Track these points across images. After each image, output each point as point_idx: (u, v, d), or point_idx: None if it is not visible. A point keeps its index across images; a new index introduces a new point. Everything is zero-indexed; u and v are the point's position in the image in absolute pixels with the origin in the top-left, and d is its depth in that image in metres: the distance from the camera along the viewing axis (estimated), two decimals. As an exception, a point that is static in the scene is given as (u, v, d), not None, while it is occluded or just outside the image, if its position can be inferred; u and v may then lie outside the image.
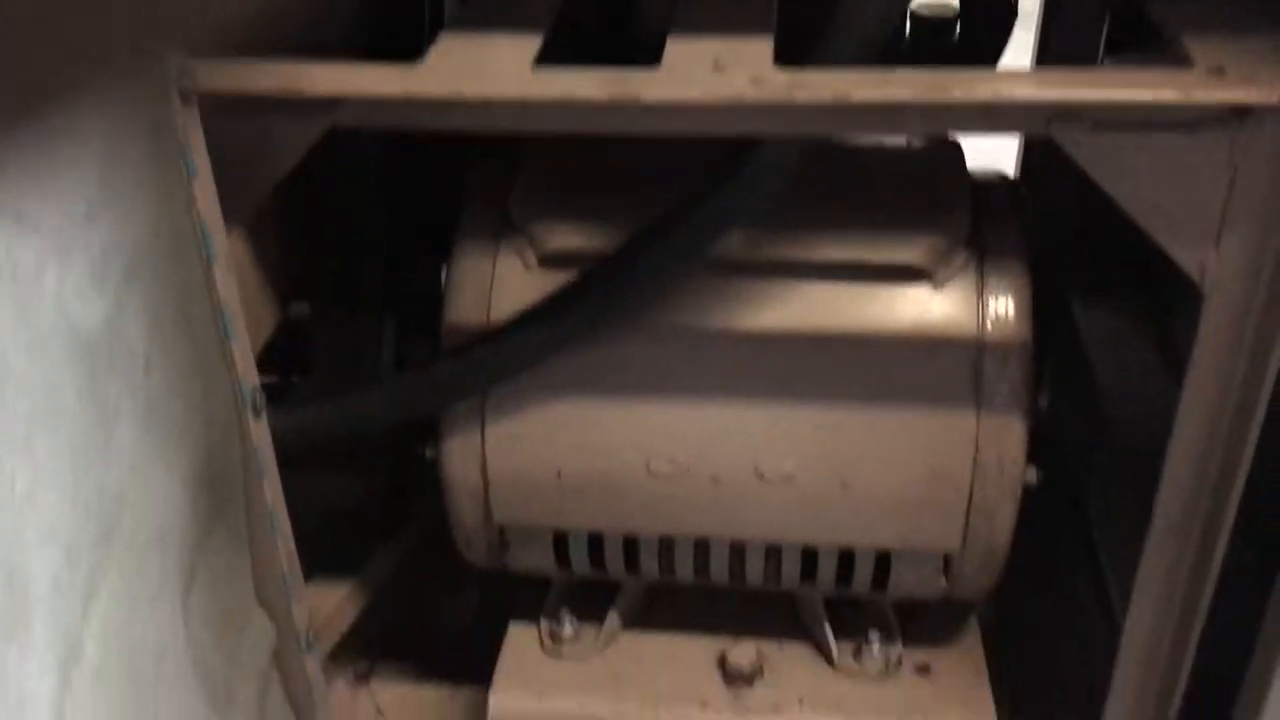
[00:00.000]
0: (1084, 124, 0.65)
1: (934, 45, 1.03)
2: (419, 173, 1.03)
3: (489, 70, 0.70)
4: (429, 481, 0.93)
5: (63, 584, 0.51)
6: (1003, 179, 0.91)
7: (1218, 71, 0.66)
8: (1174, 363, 0.76)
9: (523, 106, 0.68)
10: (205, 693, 0.63)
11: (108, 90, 0.54)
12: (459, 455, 0.88)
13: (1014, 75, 0.67)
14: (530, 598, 1.01)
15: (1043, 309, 0.88)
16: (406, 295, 1.04)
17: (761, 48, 0.70)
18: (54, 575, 0.50)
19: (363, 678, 1.11)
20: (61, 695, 0.50)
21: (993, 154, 1.07)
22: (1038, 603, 1.09)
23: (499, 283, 0.87)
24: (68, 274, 0.51)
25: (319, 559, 0.90)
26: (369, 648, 1.12)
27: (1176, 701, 0.85)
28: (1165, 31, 0.74)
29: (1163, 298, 1.19)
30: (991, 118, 0.67)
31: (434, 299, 0.99)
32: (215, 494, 0.66)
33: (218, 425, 0.67)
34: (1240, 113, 0.65)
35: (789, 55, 0.70)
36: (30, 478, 0.50)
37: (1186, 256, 0.69)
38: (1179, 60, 0.69)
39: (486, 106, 0.68)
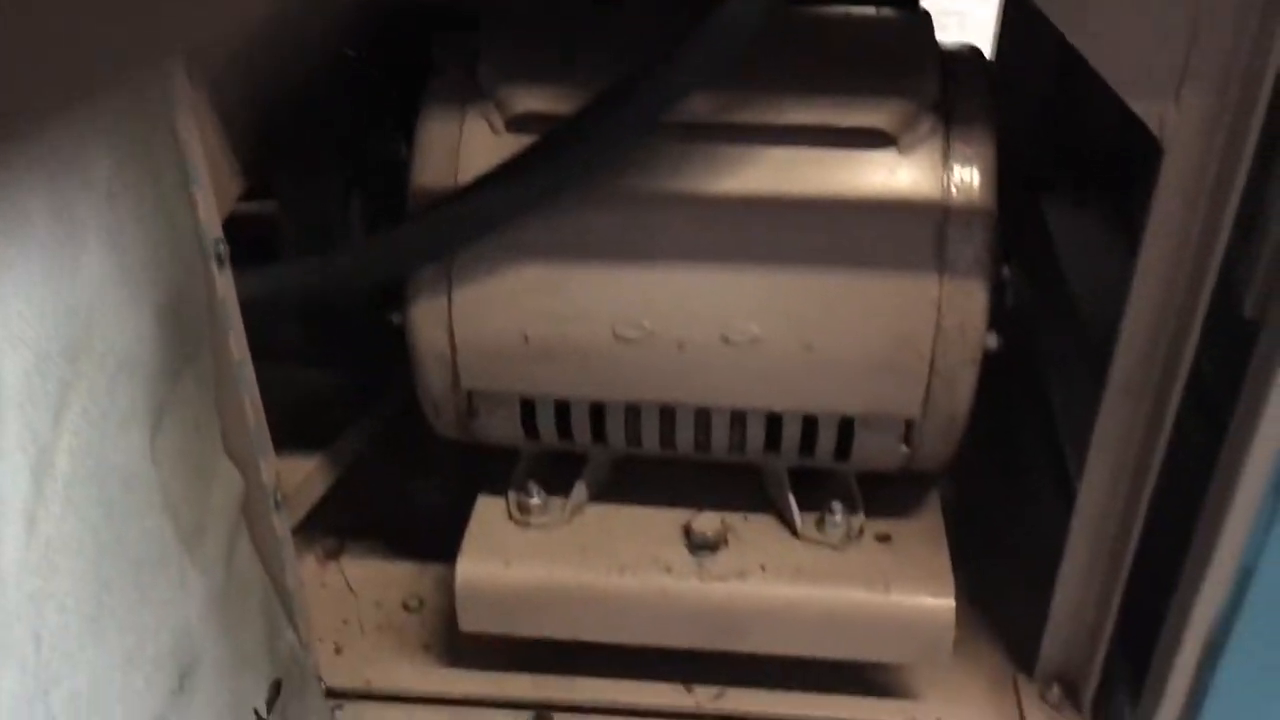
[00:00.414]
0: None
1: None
2: (379, 45, 1.02)
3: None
4: (397, 370, 0.94)
5: (34, 390, 0.51)
6: (971, 49, 0.91)
7: (1180, -85, 0.66)
8: (1135, 245, 0.77)
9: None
10: (174, 528, 0.63)
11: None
12: (426, 320, 0.88)
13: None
14: (498, 472, 1.02)
15: (1012, 191, 0.88)
16: (370, 166, 1.03)
17: None
18: (25, 378, 0.51)
19: (333, 554, 1.12)
20: (33, 500, 0.51)
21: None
22: (997, 477, 1.11)
23: (466, 146, 0.87)
24: (32, 90, 0.51)
25: (289, 438, 0.90)
26: (340, 528, 1.13)
27: (1128, 561, 0.87)
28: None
29: (1130, 194, 1.20)
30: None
31: (398, 169, 0.99)
32: (184, 337, 0.66)
33: (183, 265, 0.66)
34: (1202, -44, 0.65)
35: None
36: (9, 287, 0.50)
37: (1146, 108, 0.70)
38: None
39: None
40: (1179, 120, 0.70)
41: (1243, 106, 0.68)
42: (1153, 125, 0.70)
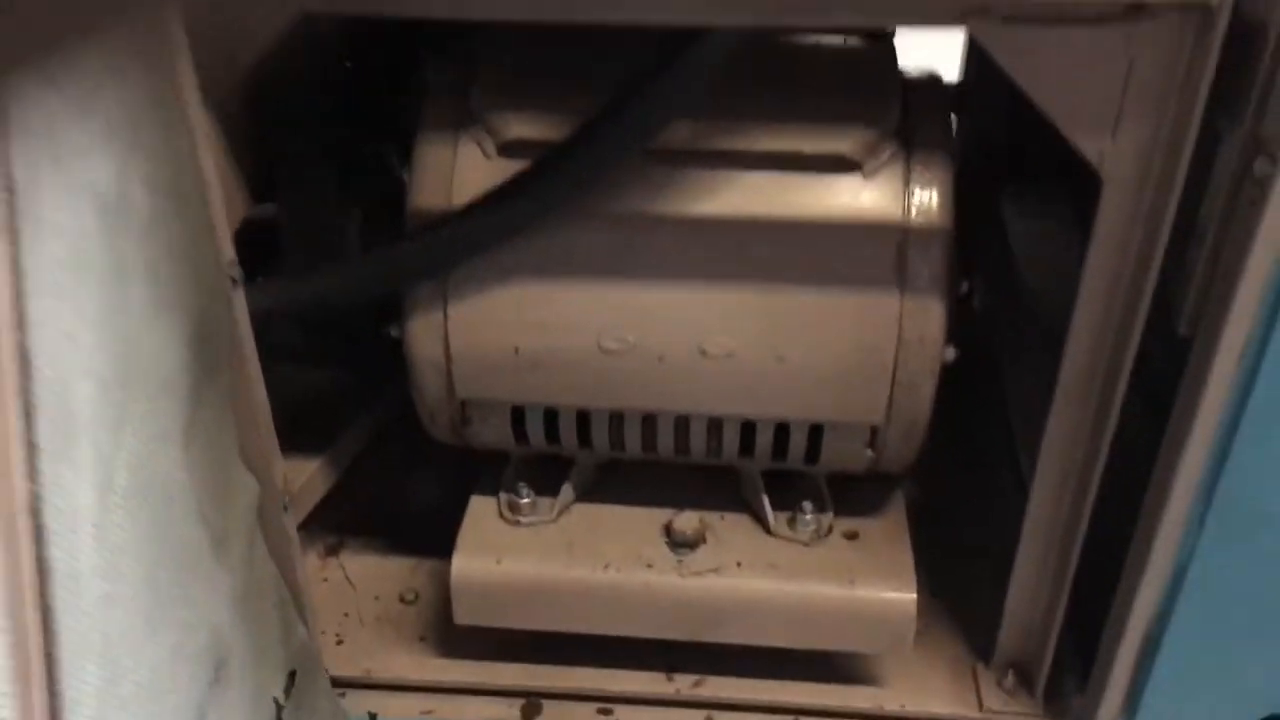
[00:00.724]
0: (995, 19, 0.72)
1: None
2: (375, 66, 1.08)
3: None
4: (394, 372, 1.00)
5: (99, 415, 0.57)
6: (931, 77, 0.97)
7: (1116, -30, 0.72)
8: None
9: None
10: (206, 534, 0.69)
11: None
12: (423, 333, 0.94)
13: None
14: (490, 474, 1.08)
15: (975, 204, 0.94)
16: (367, 182, 1.09)
17: None
18: (93, 406, 0.57)
19: (333, 550, 1.18)
20: (100, 512, 0.57)
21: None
22: (958, 478, 1.18)
23: (460, 170, 0.92)
24: (84, 133, 0.57)
25: (291, 440, 0.96)
26: (339, 525, 1.19)
27: (1074, 559, 0.94)
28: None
29: (1086, 203, 1.26)
30: (910, 12, 0.73)
31: (394, 180, 1.05)
32: (208, 356, 0.72)
33: (207, 289, 0.72)
34: (1136, 9, 0.71)
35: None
36: (71, 319, 0.56)
37: (1087, 144, 0.76)
38: (1084, -39, 0.75)
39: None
40: (1116, 155, 0.76)
41: (1173, 144, 0.74)
42: (1093, 159, 0.77)
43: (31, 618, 0.53)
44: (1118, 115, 0.75)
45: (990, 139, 1.36)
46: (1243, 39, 0.70)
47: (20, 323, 0.52)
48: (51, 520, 0.53)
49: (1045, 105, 0.75)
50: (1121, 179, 0.77)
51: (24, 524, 0.52)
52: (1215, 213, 0.76)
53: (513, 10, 0.76)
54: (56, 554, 0.53)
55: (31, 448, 0.52)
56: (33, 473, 0.52)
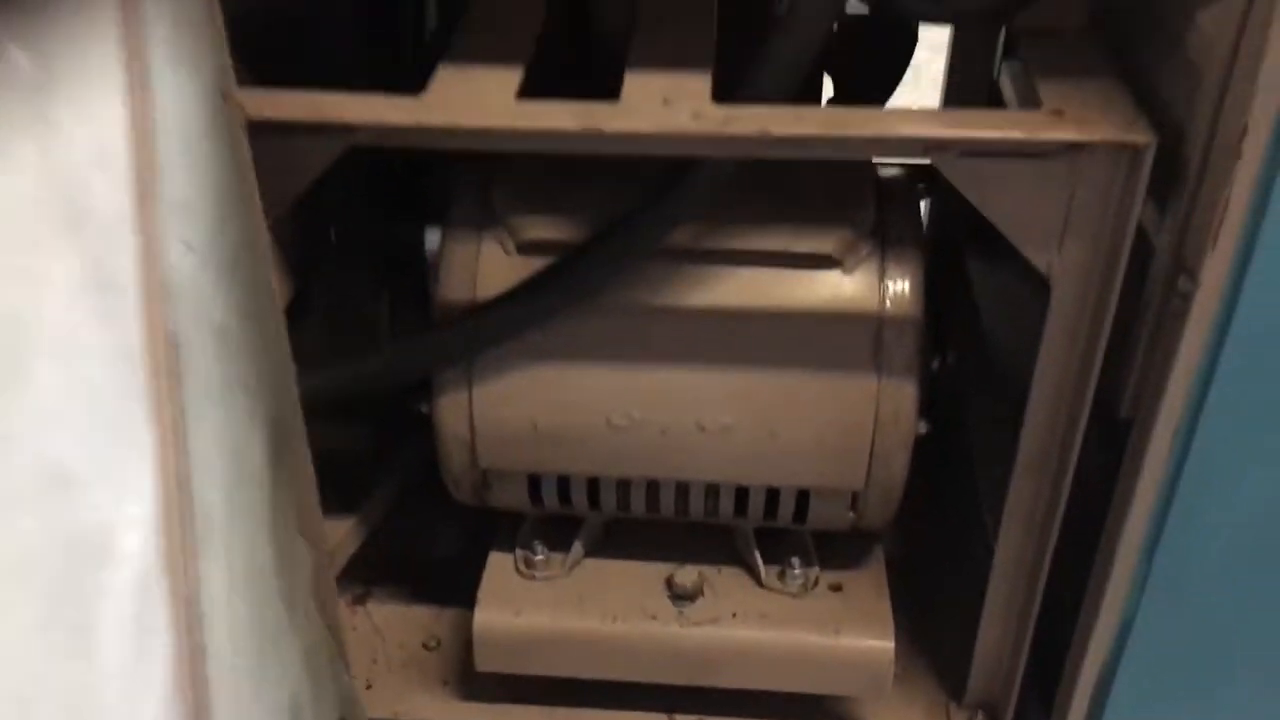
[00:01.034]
0: (953, 153, 0.83)
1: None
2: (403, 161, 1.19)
3: (481, 102, 0.85)
4: (414, 432, 1.10)
5: (224, 518, 0.68)
6: (902, 178, 1.08)
7: (1058, 113, 0.83)
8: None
9: (510, 134, 0.85)
10: (285, 605, 0.80)
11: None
12: (450, 410, 1.04)
13: (899, 114, 0.84)
14: (506, 530, 1.18)
15: (944, 275, 1.05)
16: (395, 267, 1.20)
17: (701, 84, 0.87)
18: (220, 511, 0.68)
19: (360, 600, 1.28)
20: (228, 601, 0.68)
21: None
22: (933, 533, 1.28)
23: (483, 267, 1.02)
24: (205, 271, 0.68)
25: (324, 501, 1.06)
26: (365, 576, 1.29)
27: (1035, 611, 1.04)
28: (1026, 72, 0.91)
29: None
30: (882, 148, 0.85)
31: (416, 268, 1.16)
32: (279, 444, 0.82)
33: (282, 388, 0.82)
34: (1075, 147, 0.82)
35: (726, 80, 0.87)
36: (208, 439, 0.67)
37: (1037, 257, 0.87)
38: (1031, 100, 0.87)
39: (480, 134, 0.84)
40: (1062, 266, 0.87)
41: (1110, 256, 0.85)
42: (1043, 269, 0.88)
43: (197, 694, 0.64)
44: (1063, 232, 0.86)
45: (956, 197, 1.47)
46: (1167, 173, 0.82)
47: (178, 448, 0.63)
48: (206, 608, 0.64)
49: (1000, 224, 0.86)
50: (1067, 285, 0.88)
51: (184, 613, 0.63)
52: (1149, 316, 0.87)
53: (541, 146, 0.87)
54: (208, 639, 0.64)
55: (187, 551, 0.64)
56: (188, 573, 0.63)
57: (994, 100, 1.32)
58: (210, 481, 0.67)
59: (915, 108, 0.90)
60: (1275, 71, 0.73)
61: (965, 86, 1.40)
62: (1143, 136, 0.80)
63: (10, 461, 0.57)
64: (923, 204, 1.19)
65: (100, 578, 0.61)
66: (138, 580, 0.63)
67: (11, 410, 0.57)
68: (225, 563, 0.69)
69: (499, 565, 1.16)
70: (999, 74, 1.33)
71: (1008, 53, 1.33)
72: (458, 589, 1.17)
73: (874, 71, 1.21)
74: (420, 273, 1.26)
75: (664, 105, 0.84)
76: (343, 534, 1.17)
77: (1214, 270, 0.80)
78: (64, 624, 0.60)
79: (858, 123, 0.82)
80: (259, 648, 0.73)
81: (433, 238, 1.32)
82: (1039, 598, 1.03)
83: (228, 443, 0.71)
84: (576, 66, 1.04)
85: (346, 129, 0.84)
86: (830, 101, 1.22)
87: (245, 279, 0.75)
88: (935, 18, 1.08)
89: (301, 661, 0.84)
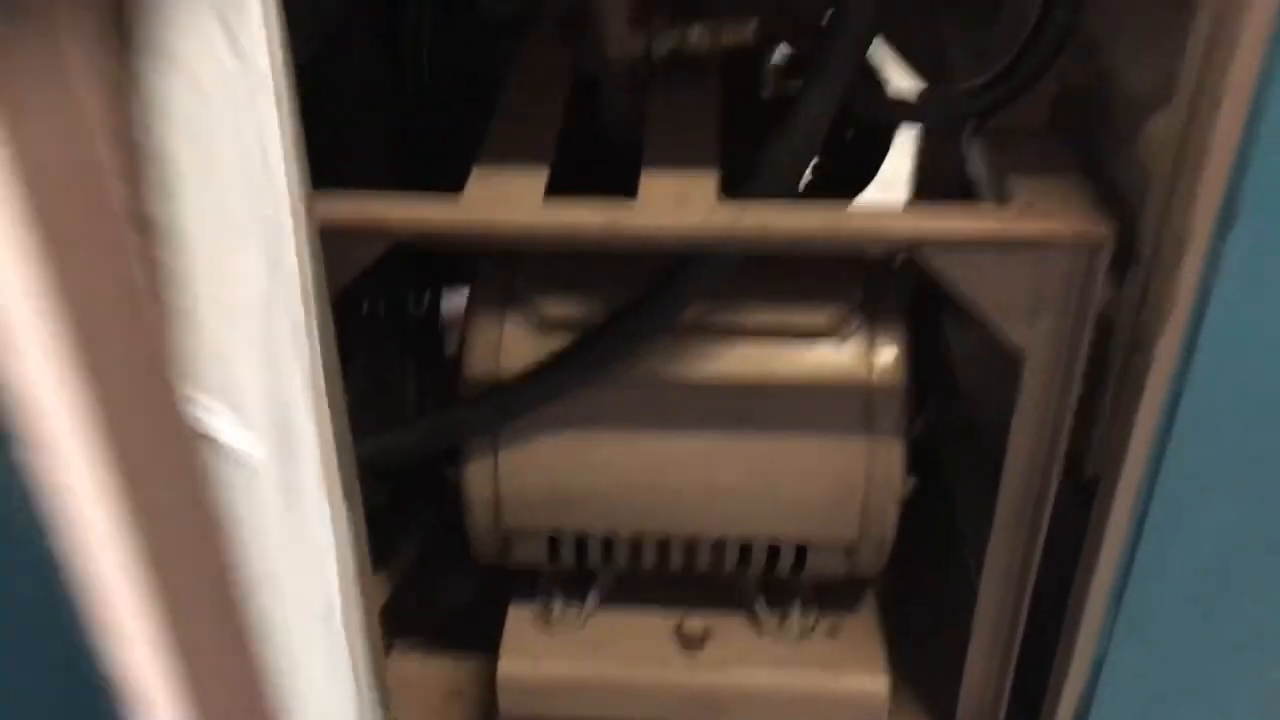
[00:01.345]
0: (932, 248, 0.93)
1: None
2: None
3: (512, 203, 0.95)
4: (433, 492, 1.18)
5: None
6: (885, 260, 1.18)
7: (1028, 207, 0.94)
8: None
9: (540, 232, 0.94)
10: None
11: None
12: (477, 476, 1.13)
13: (886, 213, 0.95)
14: (524, 584, 1.26)
15: (924, 341, 1.15)
16: (416, 330, 1.29)
17: (710, 182, 0.96)
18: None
19: (385, 652, 1.35)
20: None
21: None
22: (921, 577, 1.37)
23: (506, 343, 1.11)
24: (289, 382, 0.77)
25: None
26: (389, 629, 1.37)
27: (1016, 648, 1.14)
28: (996, 167, 1.02)
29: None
30: (873, 242, 0.95)
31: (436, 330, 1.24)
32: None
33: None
34: (1041, 245, 0.93)
35: (732, 169, 0.96)
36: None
37: (1010, 334, 0.97)
38: (1002, 194, 0.97)
39: (513, 233, 0.94)
40: (1033, 340, 0.97)
41: (1075, 334, 0.95)
42: (1015, 343, 0.98)
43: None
44: (1033, 313, 0.96)
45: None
46: (1123, 257, 0.92)
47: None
48: None
49: (974, 307, 0.96)
50: (1038, 359, 0.98)
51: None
52: (1111, 385, 0.97)
53: (566, 243, 0.96)
54: None
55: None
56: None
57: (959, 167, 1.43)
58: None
59: (900, 207, 1.01)
60: (1216, 174, 0.84)
61: (933, 158, 1.50)
62: (1103, 229, 0.91)
63: None
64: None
65: None
66: None
67: None
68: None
69: (519, 617, 1.24)
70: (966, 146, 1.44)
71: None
72: (477, 641, 1.25)
73: (851, 168, 1.33)
74: (438, 338, 1.35)
75: (677, 204, 0.94)
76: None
77: (1167, 345, 0.90)
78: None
79: (851, 221, 0.92)
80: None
81: (447, 302, 1.42)
82: (1019, 640, 1.12)
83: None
84: (589, 158, 1.13)
85: (390, 232, 0.93)
86: (808, 187, 1.32)
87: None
88: (910, 120, 1.19)
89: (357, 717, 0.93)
